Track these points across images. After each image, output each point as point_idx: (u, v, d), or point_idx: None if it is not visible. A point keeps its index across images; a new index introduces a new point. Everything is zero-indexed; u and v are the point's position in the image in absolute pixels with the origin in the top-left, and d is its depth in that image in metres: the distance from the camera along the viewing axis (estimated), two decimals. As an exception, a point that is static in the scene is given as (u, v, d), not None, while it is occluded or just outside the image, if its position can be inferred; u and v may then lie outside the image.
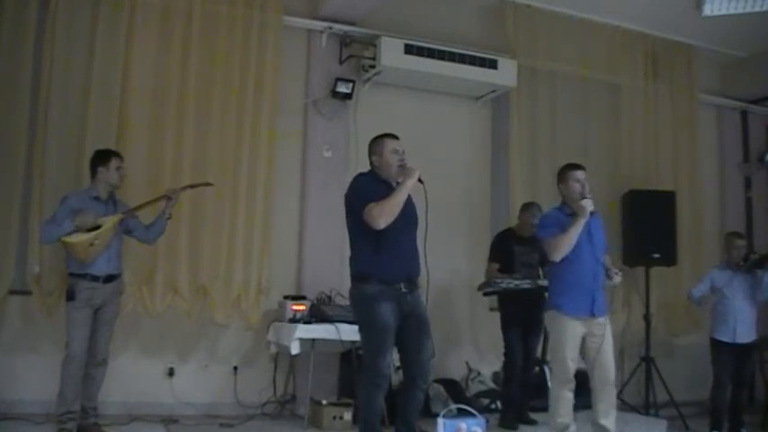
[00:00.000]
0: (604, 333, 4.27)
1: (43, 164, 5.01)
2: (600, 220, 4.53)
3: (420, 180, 3.79)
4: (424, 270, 3.83)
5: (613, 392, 4.33)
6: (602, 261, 4.40)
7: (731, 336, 5.35)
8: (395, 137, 3.97)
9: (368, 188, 3.81)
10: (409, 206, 3.87)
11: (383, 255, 3.73)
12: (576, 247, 4.25)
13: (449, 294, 6.21)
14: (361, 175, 3.98)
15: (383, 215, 3.66)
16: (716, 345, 5.43)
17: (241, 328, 5.57)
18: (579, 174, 4.43)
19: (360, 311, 3.84)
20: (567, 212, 4.39)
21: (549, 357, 4.39)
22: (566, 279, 4.31)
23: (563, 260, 4.28)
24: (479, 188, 6.67)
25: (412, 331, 3.79)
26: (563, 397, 4.27)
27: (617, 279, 4.41)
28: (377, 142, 3.98)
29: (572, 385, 4.28)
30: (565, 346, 4.26)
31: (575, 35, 6.80)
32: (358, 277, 3.81)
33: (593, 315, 4.27)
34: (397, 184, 3.83)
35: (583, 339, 4.29)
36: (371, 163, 3.98)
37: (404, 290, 3.77)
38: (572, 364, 4.25)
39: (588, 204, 4.26)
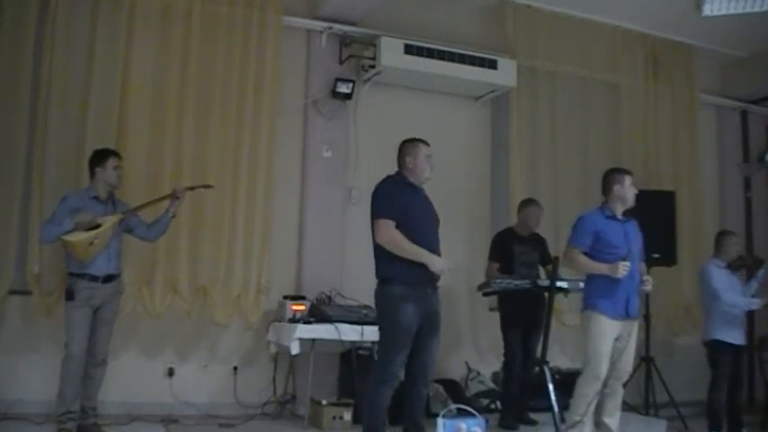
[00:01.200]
0: (632, 334, 4.37)
1: (43, 164, 5.00)
2: (636, 225, 4.59)
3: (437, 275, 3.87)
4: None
5: (622, 393, 4.39)
6: (638, 265, 4.43)
7: (740, 337, 5.31)
8: (427, 143, 4.04)
9: (393, 194, 3.86)
10: (431, 207, 4.00)
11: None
12: (616, 249, 4.33)
13: (449, 294, 6.20)
14: (388, 178, 4.00)
15: (389, 244, 3.76)
16: (719, 346, 5.30)
17: (241, 328, 5.57)
18: (629, 179, 4.51)
19: (384, 311, 3.87)
20: (608, 214, 4.47)
21: (583, 356, 4.42)
22: (604, 280, 4.33)
23: (604, 262, 4.33)
24: (479, 188, 6.67)
25: (426, 331, 3.87)
26: (587, 395, 4.29)
27: (648, 287, 4.44)
28: (412, 145, 4.01)
29: (600, 385, 4.30)
30: (602, 343, 4.29)
31: (575, 35, 6.80)
32: (386, 279, 3.86)
33: (627, 316, 4.33)
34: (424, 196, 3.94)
35: (614, 340, 4.34)
36: (403, 164, 3.99)
37: (429, 291, 3.85)
38: (606, 363, 4.28)
39: (623, 270, 4.23)
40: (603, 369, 4.28)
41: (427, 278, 3.85)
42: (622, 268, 4.23)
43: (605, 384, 4.34)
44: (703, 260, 6.81)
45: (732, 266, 5.49)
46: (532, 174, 6.56)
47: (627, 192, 4.47)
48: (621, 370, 4.38)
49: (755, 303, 5.32)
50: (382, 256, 3.87)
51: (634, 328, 4.42)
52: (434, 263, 3.81)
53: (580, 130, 6.85)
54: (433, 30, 6.29)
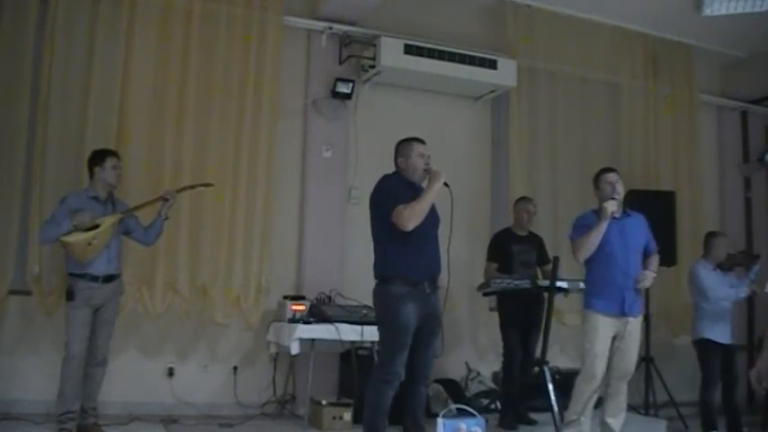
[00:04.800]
0: (632, 333, 4.35)
1: (43, 164, 5.01)
2: (641, 219, 4.58)
3: (446, 184, 3.85)
4: (445, 272, 3.92)
5: (625, 394, 4.38)
6: (637, 261, 4.43)
7: (729, 336, 5.33)
8: (422, 141, 4.03)
9: (395, 190, 3.86)
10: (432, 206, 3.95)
11: (409, 255, 3.80)
12: (608, 246, 4.33)
13: (449, 294, 6.19)
14: (386, 177, 4.00)
15: (413, 218, 3.73)
16: (709, 345, 5.33)
17: (241, 329, 5.57)
18: (610, 176, 4.50)
19: (383, 310, 3.88)
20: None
21: (580, 353, 4.45)
22: (597, 278, 4.40)
23: (595, 260, 4.35)
24: (479, 188, 6.65)
25: (426, 330, 3.87)
26: (584, 393, 4.31)
27: (644, 283, 4.39)
28: (405, 145, 4.02)
29: (597, 383, 4.32)
30: (595, 342, 4.31)
31: (575, 35, 6.80)
32: (384, 278, 3.86)
33: (623, 314, 4.32)
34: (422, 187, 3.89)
35: (613, 339, 4.34)
36: (397, 164, 4.01)
37: (428, 290, 3.85)
38: (600, 362, 4.29)
39: (610, 206, 4.31)
40: (599, 368, 4.29)
41: (427, 275, 3.86)
42: (609, 205, 4.27)
43: (608, 384, 4.33)
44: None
45: (722, 267, 5.49)
46: (532, 174, 6.56)
47: (602, 190, 4.47)
48: (623, 370, 4.37)
49: (743, 291, 5.34)
50: (382, 254, 3.88)
51: (635, 326, 4.39)
52: (439, 179, 3.82)
53: (580, 130, 6.84)
54: (433, 30, 6.28)
